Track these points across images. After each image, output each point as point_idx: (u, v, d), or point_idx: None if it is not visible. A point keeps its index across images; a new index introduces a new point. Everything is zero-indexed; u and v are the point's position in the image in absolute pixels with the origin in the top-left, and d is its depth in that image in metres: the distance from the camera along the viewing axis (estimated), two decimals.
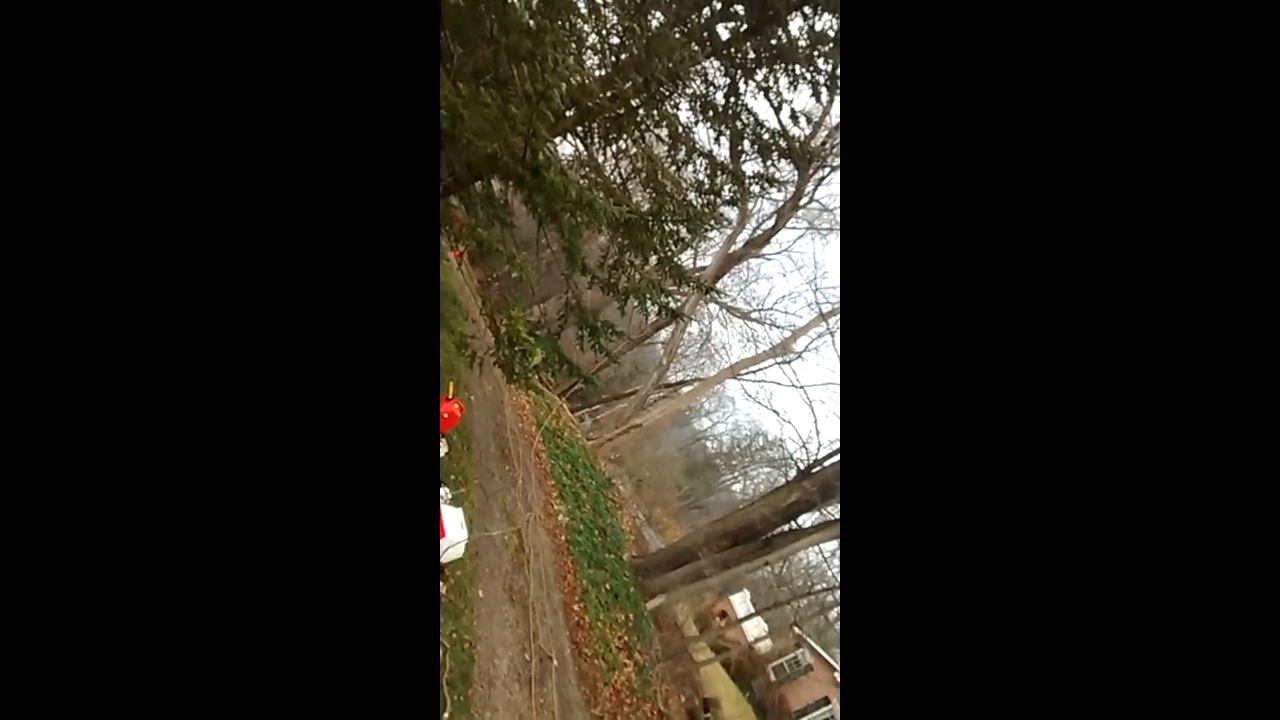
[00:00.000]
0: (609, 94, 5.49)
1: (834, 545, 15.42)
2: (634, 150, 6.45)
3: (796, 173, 14.24)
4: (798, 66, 5.87)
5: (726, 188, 6.41)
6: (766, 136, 6.37)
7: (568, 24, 5.33)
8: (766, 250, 20.28)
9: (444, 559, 6.28)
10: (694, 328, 23.02)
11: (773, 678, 22.74)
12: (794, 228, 19.70)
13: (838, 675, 21.08)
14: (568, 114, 5.50)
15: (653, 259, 6.28)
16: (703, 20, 5.81)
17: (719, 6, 5.79)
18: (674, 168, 6.53)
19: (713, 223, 6.21)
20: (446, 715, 5.65)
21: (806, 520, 13.74)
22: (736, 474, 35.78)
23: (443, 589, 6.56)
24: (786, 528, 13.54)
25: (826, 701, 20.78)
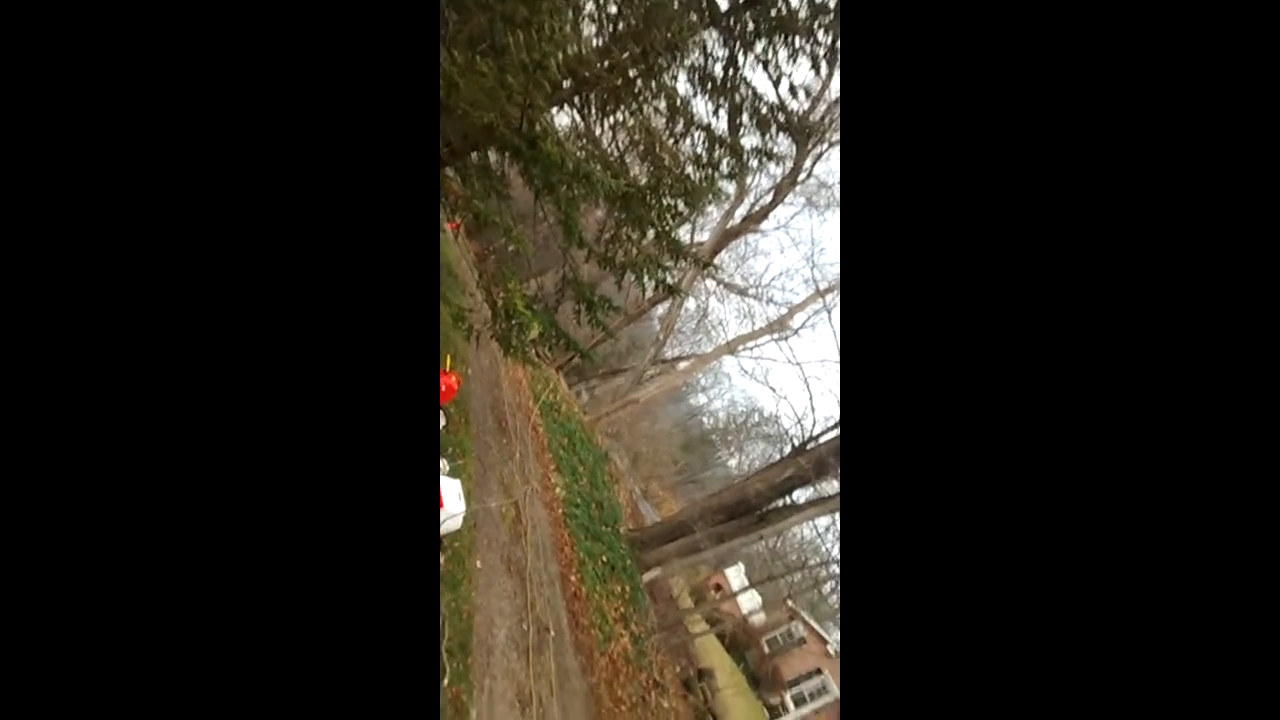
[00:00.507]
0: (606, 64, 5.43)
1: (828, 520, 15.60)
2: (632, 122, 6.39)
3: (795, 147, 14.11)
4: (797, 38, 5.80)
5: (725, 161, 6.38)
6: (765, 110, 6.32)
7: None
8: (764, 226, 20.15)
9: (442, 530, 6.34)
10: (691, 303, 22.94)
11: (766, 650, 23.08)
12: (792, 203, 19.56)
13: (830, 647, 21.43)
14: (565, 84, 5.44)
15: (650, 233, 6.27)
16: None
17: None
18: (672, 141, 6.48)
19: (710, 197, 6.20)
20: (445, 683, 5.75)
21: (801, 495, 13.87)
22: (732, 449, 35.99)
23: (441, 560, 6.64)
24: (781, 503, 13.67)
25: (819, 672, 21.13)
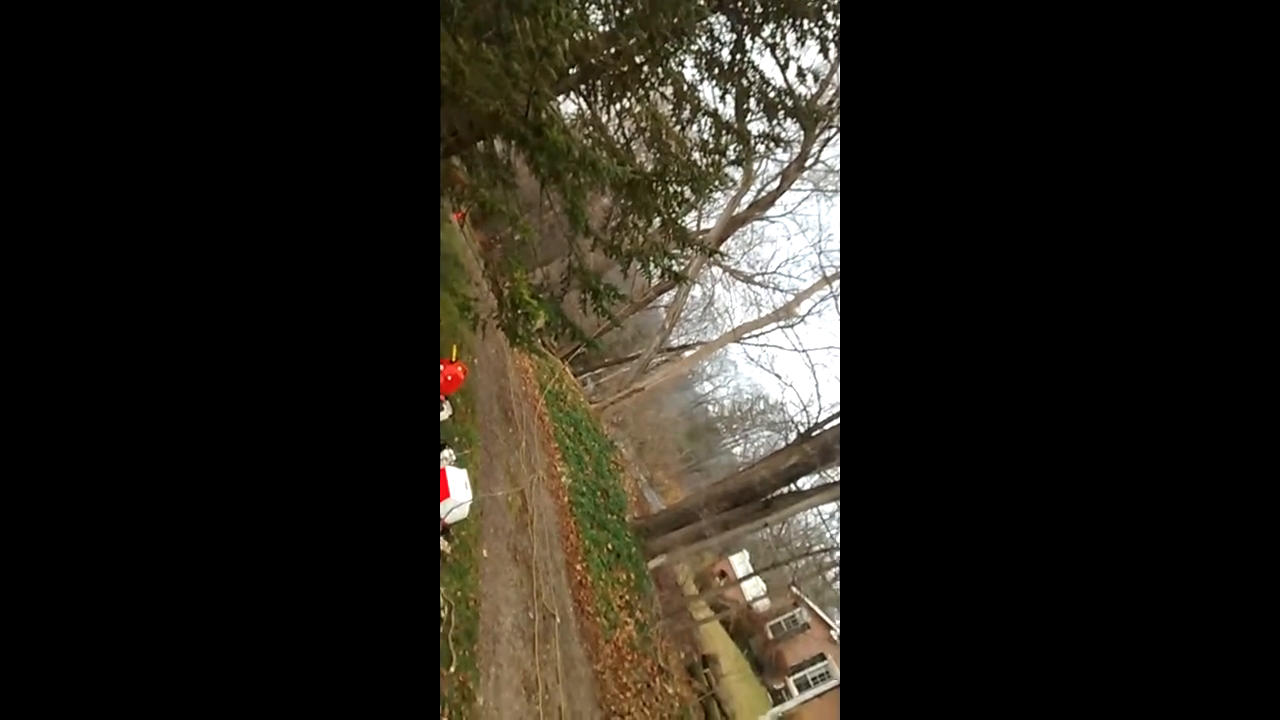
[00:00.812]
0: (613, 50, 5.37)
1: (833, 507, 15.62)
2: (638, 109, 6.33)
3: (802, 133, 13.98)
4: (806, 21, 5.72)
5: (731, 147, 6.32)
6: (773, 95, 6.25)
7: None
8: (771, 212, 20.04)
9: (449, 519, 6.36)
10: (697, 291, 22.94)
11: (770, 636, 23.22)
12: (799, 189, 19.40)
13: (833, 633, 21.54)
14: (571, 71, 5.38)
15: (656, 221, 6.23)
16: None
17: None
18: (678, 127, 6.42)
19: (717, 183, 6.14)
20: (452, 669, 5.79)
21: (806, 483, 13.88)
22: (737, 437, 36.09)
23: (448, 549, 6.67)
24: (786, 490, 13.68)
25: (822, 658, 21.26)
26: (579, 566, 10.60)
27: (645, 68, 5.80)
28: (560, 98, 6.16)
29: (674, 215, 6.18)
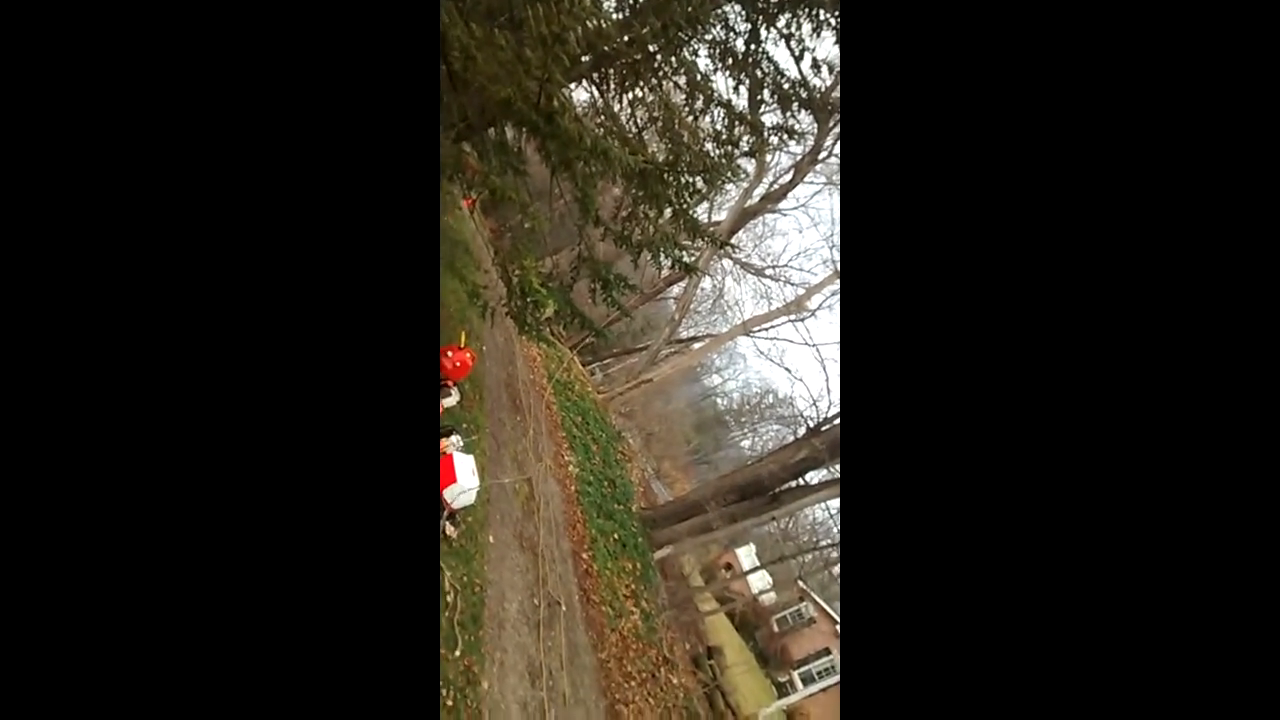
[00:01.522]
0: (626, 38, 5.34)
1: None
2: (651, 98, 6.30)
3: (816, 124, 13.87)
4: (822, 11, 5.66)
5: (745, 139, 6.28)
6: (787, 86, 6.20)
7: None
8: (783, 205, 19.88)
9: (456, 505, 6.40)
10: (707, 283, 22.79)
11: (776, 629, 23.30)
12: (812, 182, 19.21)
13: (839, 628, 21.56)
14: (583, 59, 5.36)
15: (667, 211, 6.19)
16: None
17: None
18: (691, 117, 6.38)
19: (730, 174, 6.10)
20: (458, 654, 5.85)
21: (814, 477, 13.86)
22: (746, 430, 36.04)
23: (455, 534, 6.71)
24: (794, 484, 13.66)
25: (828, 652, 21.30)
26: (585, 555, 10.65)
27: (659, 57, 5.77)
28: (572, 86, 6.15)
29: (685, 206, 6.15)
